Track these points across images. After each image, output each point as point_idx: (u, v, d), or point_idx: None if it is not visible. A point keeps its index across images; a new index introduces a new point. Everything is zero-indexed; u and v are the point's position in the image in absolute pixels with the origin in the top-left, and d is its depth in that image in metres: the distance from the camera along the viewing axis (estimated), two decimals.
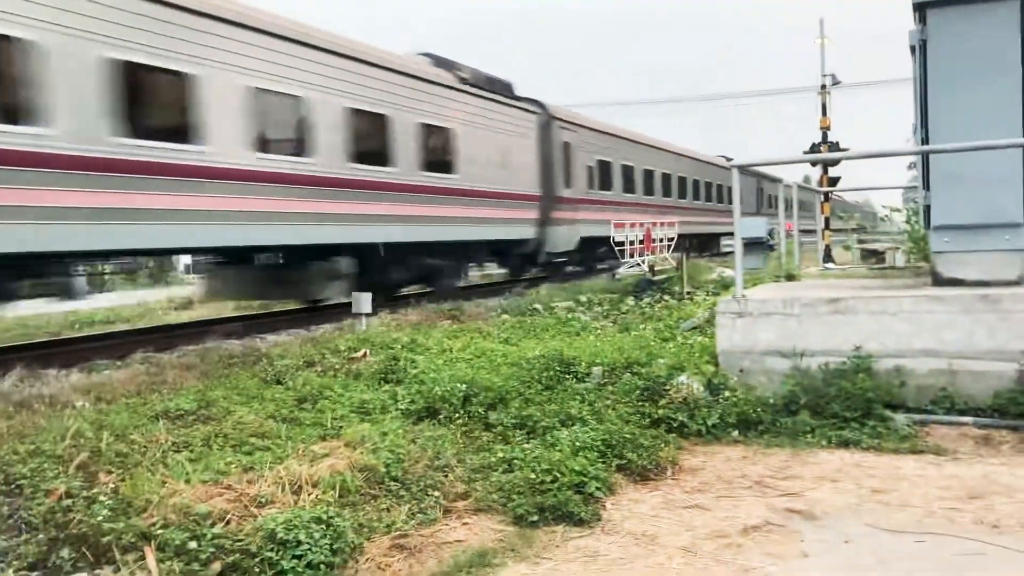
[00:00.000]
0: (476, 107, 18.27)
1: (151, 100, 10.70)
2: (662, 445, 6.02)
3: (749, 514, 4.93)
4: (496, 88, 19.48)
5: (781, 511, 4.98)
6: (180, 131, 10.88)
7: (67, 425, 5.37)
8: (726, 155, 39.93)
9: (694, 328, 10.08)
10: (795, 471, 5.75)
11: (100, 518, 4.08)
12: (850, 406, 6.63)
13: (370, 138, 14.84)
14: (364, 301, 11.84)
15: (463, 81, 17.88)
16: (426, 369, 7.56)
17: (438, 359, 8.16)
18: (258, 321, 14.15)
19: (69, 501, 4.25)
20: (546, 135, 21.63)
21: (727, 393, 7.02)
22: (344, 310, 13.10)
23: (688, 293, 14.63)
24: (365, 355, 8.41)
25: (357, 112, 14.47)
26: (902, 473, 5.64)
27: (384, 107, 15.24)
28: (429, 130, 16.52)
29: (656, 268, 17.39)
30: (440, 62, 17.74)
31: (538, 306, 13.86)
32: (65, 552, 3.88)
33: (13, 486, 4.45)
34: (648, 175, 29.69)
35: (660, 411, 6.67)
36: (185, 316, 17.97)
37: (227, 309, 18.60)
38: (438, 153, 16.82)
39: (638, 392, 6.95)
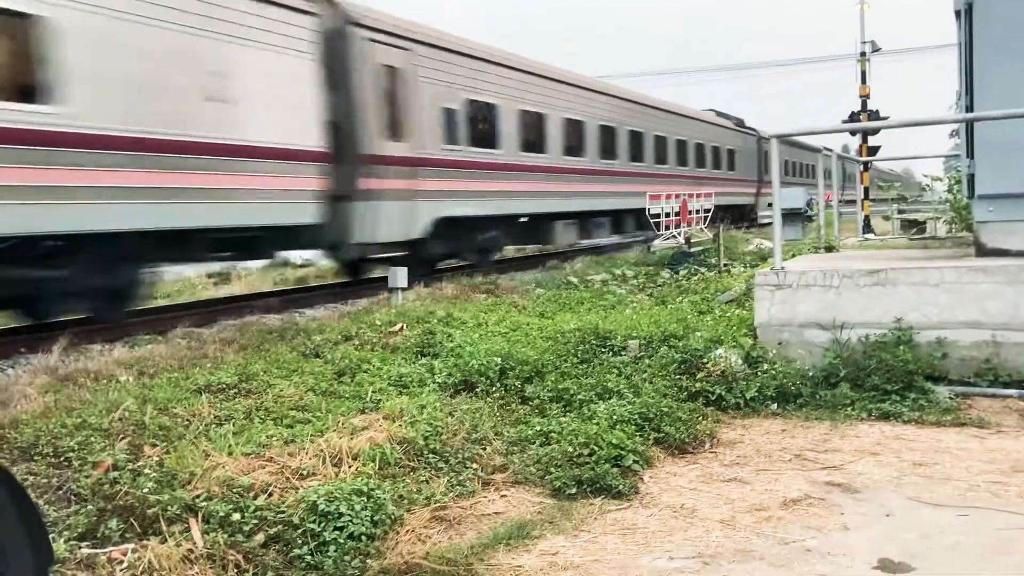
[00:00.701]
0: None
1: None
2: (700, 418, 6.01)
3: (788, 487, 4.91)
4: None
5: (821, 484, 4.95)
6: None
7: (112, 399, 5.48)
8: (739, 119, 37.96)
9: (731, 301, 10.01)
10: (835, 444, 5.71)
11: (146, 490, 4.17)
12: (891, 379, 6.55)
13: None
14: (400, 276, 11.88)
15: None
16: (462, 343, 7.58)
17: (474, 333, 8.18)
18: (295, 296, 14.28)
19: (116, 473, 4.34)
20: (340, 53, 12.94)
21: (765, 366, 6.97)
22: (380, 284, 13.17)
23: (725, 265, 14.51)
24: (402, 329, 8.46)
25: None
26: (944, 446, 5.57)
27: None
28: None
29: (692, 240, 17.26)
30: None
31: (573, 279, 13.84)
32: (113, 523, 3.96)
33: (62, 459, 4.55)
34: (575, 128, 20.42)
35: (697, 384, 6.65)
36: (224, 291, 18.20)
37: (266, 284, 18.80)
38: None
39: (675, 365, 6.93)
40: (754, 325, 7.65)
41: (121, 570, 3.69)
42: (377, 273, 14.91)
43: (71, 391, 5.94)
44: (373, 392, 6.27)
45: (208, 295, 17.49)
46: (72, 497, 4.25)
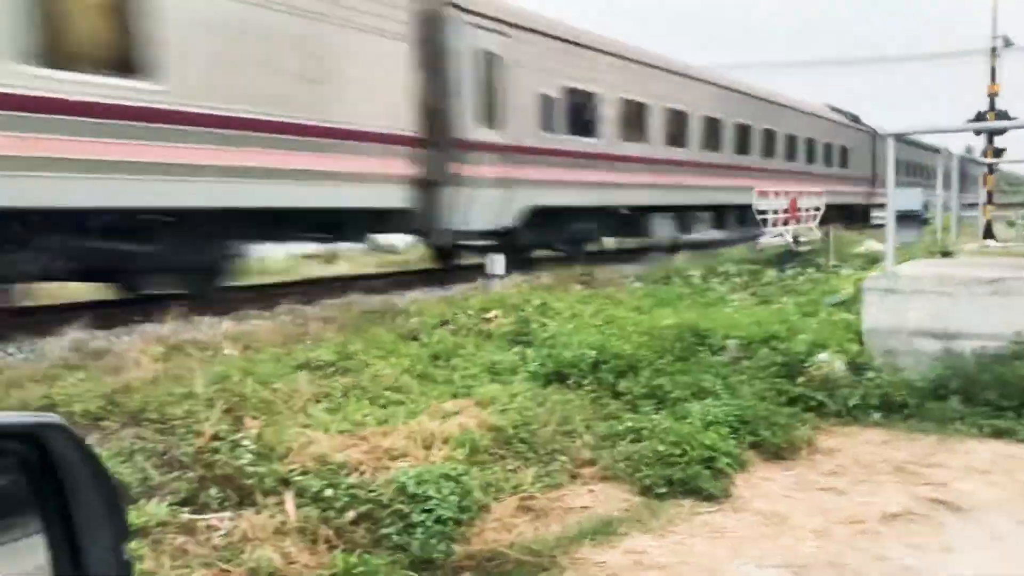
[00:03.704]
0: None
1: None
2: (798, 424, 5.84)
3: (889, 501, 4.72)
4: None
5: (924, 500, 4.73)
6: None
7: (217, 371, 5.67)
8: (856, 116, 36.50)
9: (838, 304, 9.66)
10: (941, 459, 5.46)
11: (244, 461, 4.31)
12: (1006, 394, 6.22)
13: None
14: (497, 263, 11.92)
15: None
16: (556, 333, 7.56)
17: (568, 323, 8.15)
18: (395, 279, 14.52)
19: (217, 443, 4.50)
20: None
21: (871, 374, 6.72)
22: (477, 271, 13.26)
23: (833, 266, 14.03)
24: (497, 316, 8.49)
25: None
26: None
27: None
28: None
29: (800, 239, 16.77)
30: None
31: (673, 274, 13.63)
32: (212, 491, 4.11)
33: (168, 426, 4.75)
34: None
35: (798, 389, 6.46)
36: (330, 271, 18.65)
37: (369, 265, 19.19)
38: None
39: (775, 368, 6.75)
40: (861, 330, 7.38)
41: (218, 537, 3.82)
42: (469, 261, 14.98)
43: (180, 360, 6.18)
44: (466, 377, 6.32)
45: (313, 274, 17.97)
46: (176, 463, 4.42)
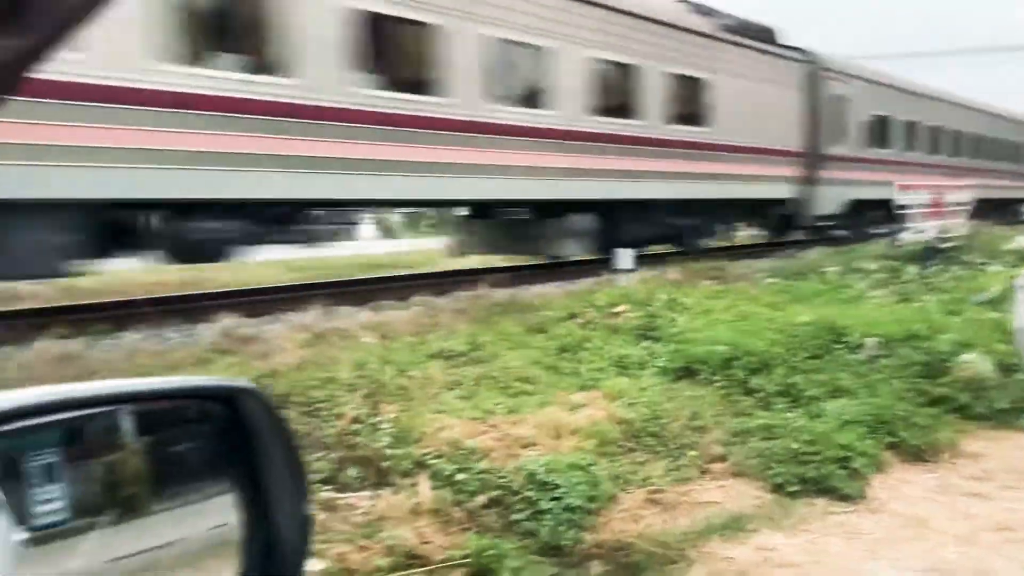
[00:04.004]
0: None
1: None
2: (940, 426, 5.60)
3: None
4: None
5: None
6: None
7: (357, 358, 5.92)
8: None
9: (986, 302, 9.17)
10: None
11: (382, 444, 4.49)
12: None
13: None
14: (625, 257, 11.88)
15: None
16: (686, 328, 7.49)
17: (698, 319, 8.05)
18: (523, 272, 14.67)
19: (357, 426, 4.71)
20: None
21: (1021, 375, 6.36)
22: (604, 265, 13.24)
23: (981, 263, 13.29)
24: (625, 310, 8.48)
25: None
26: None
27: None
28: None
29: (944, 235, 15.94)
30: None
31: (808, 270, 13.22)
32: (352, 471, 4.31)
33: (312, 409, 5.00)
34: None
35: (940, 390, 6.19)
36: (459, 264, 19.01)
37: (496, 259, 19.44)
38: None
39: (916, 367, 6.48)
40: (1011, 330, 6.98)
41: (357, 515, 4.01)
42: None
43: (322, 348, 6.49)
44: (593, 371, 6.36)
45: (444, 267, 18.36)
46: (319, 444, 4.66)
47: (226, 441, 1.03)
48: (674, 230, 15.78)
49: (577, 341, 7.19)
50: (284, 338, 6.72)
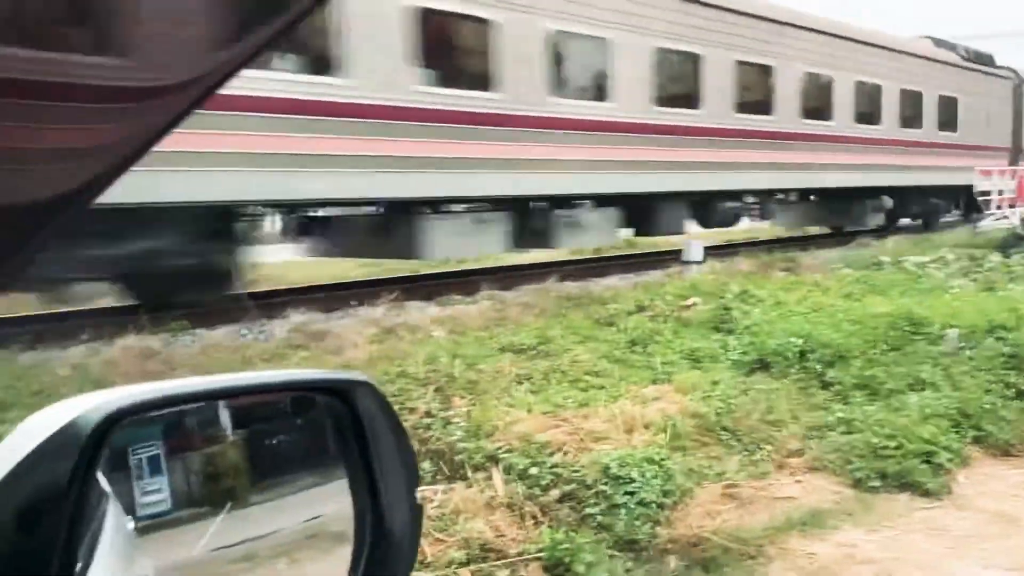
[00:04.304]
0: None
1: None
2: None
3: None
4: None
5: None
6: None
7: (427, 352, 5.97)
8: None
9: None
10: None
11: (455, 438, 4.52)
12: None
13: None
14: (695, 249, 11.74)
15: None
16: (759, 321, 7.36)
17: (772, 311, 7.91)
18: (591, 265, 14.63)
19: (429, 420, 4.75)
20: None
21: None
22: (673, 257, 13.11)
23: None
24: (695, 303, 8.38)
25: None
26: None
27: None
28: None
29: None
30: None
31: (885, 259, 12.88)
32: (426, 464, 4.34)
33: None
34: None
35: None
36: (527, 258, 19.00)
37: (564, 253, 19.37)
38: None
39: (1002, 359, 6.25)
40: None
41: (432, 508, 4.04)
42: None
43: (393, 342, 6.56)
44: (664, 364, 6.30)
45: (513, 261, 18.38)
46: None
47: (341, 431, 1.05)
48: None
49: (647, 334, 7.13)
50: (355, 333, 6.81)
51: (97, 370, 5.72)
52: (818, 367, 6.21)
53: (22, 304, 7.95)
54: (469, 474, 4.28)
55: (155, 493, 1.08)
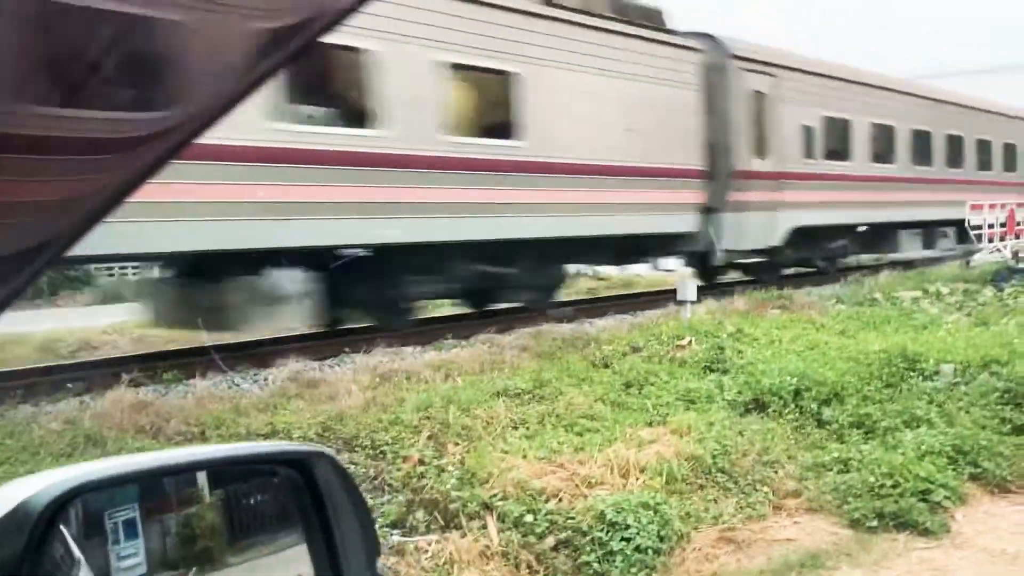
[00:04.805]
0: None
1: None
2: None
3: None
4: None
5: None
6: None
7: (421, 398, 5.95)
8: None
9: None
10: None
11: (449, 486, 4.49)
12: None
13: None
14: (689, 289, 11.76)
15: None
16: (754, 360, 7.36)
17: (766, 350, 7.91)
18: (585, 306, 14.63)
19: (423, 468, 4.72)
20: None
21: None
22: (668, 296, 13.13)
23: None
24: (690, 343, 8.38)
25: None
26: None
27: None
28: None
29: (1020, 255, 15.46)
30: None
31: (878, 295, 12.92)
32: (420, 514, 4.31)
33: (378, 451, 5.03)
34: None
35: None
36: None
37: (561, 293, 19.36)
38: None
39: (997, 395, 6.24)
40: None
41: (426, 559, 4.00)
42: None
43: (387, 389, 6.53)
44: (660, 405, 6.28)
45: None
46: (385, 487, 4.68)
47: (301, 501, 1.05)
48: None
49: (642, 375, 7.11)
50: (350, 380, 6.78)
51: (89, 424, 5.68)
52: (813, 406, 6.19)
53: (12, 358, 7.92)
54: (463, 523, 4.25)
55: (131, 558, 1.07)
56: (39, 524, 0.77)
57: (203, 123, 0.66)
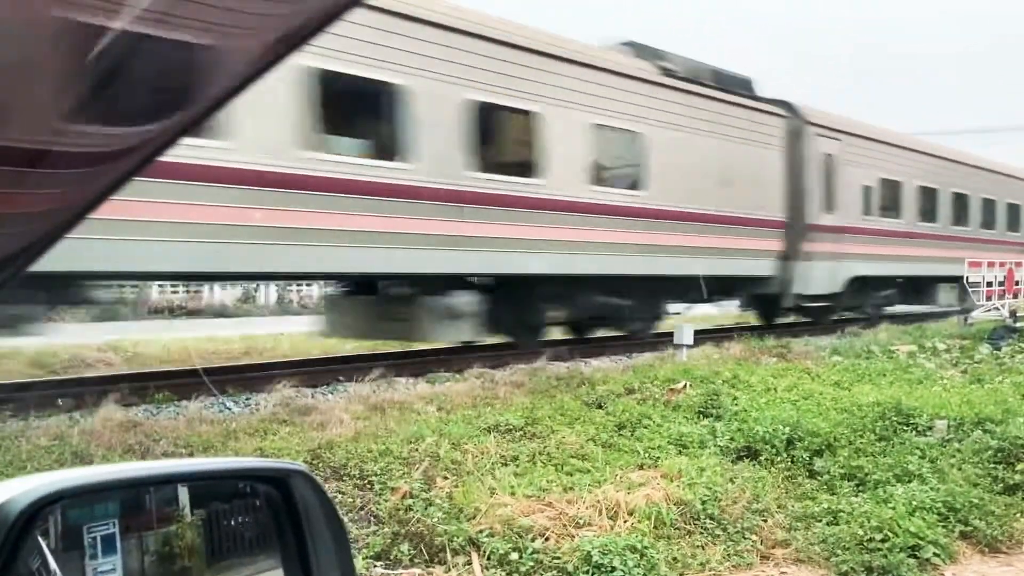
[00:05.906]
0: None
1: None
2: (1018, 515, 5.34)
3: None
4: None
5: None
6: None
7: (412, 430, 5.92)
8: None
9: None
10: None
11: (435, 520, 4.45)
12: None
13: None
14: (686, 332, 11.77)
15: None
16: (748, 407, 7.34)
17: (761, 397, 7.89)
18: (582, 346, 14.62)
19: (410, 501, 4.69)
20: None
21: None
22: (666, 339, 13.13)
23: None
24: (685, 387, 8.37)
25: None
26: None
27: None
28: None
29: (1018, 314, 15.48)
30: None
31: (875, 348, 12.91)
32: (404, 547, 4.27)
33: (366, 481, 5.00)
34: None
35: (1017, 476, 5.90)
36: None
37: (554, 332, 19.39)
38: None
39: (990, 452, 6.21)
40: None
41: None
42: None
43: (378, 420, 6.51)
44: (651, 448, 6.25)
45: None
46: (372, 518, 4.64)
47: (277, 519, 1.05)
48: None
49: (635, 418, 7.09)
50: (341, 409, 6.76)
51: (77, 441, 5.65)
52: (805, 455, 6.16)
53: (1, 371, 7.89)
54: (448, 558, 4.21)
55: (109, 574, 1.06)
56: (15, 526, 0.77)
57: (176, 134, 0.67)
